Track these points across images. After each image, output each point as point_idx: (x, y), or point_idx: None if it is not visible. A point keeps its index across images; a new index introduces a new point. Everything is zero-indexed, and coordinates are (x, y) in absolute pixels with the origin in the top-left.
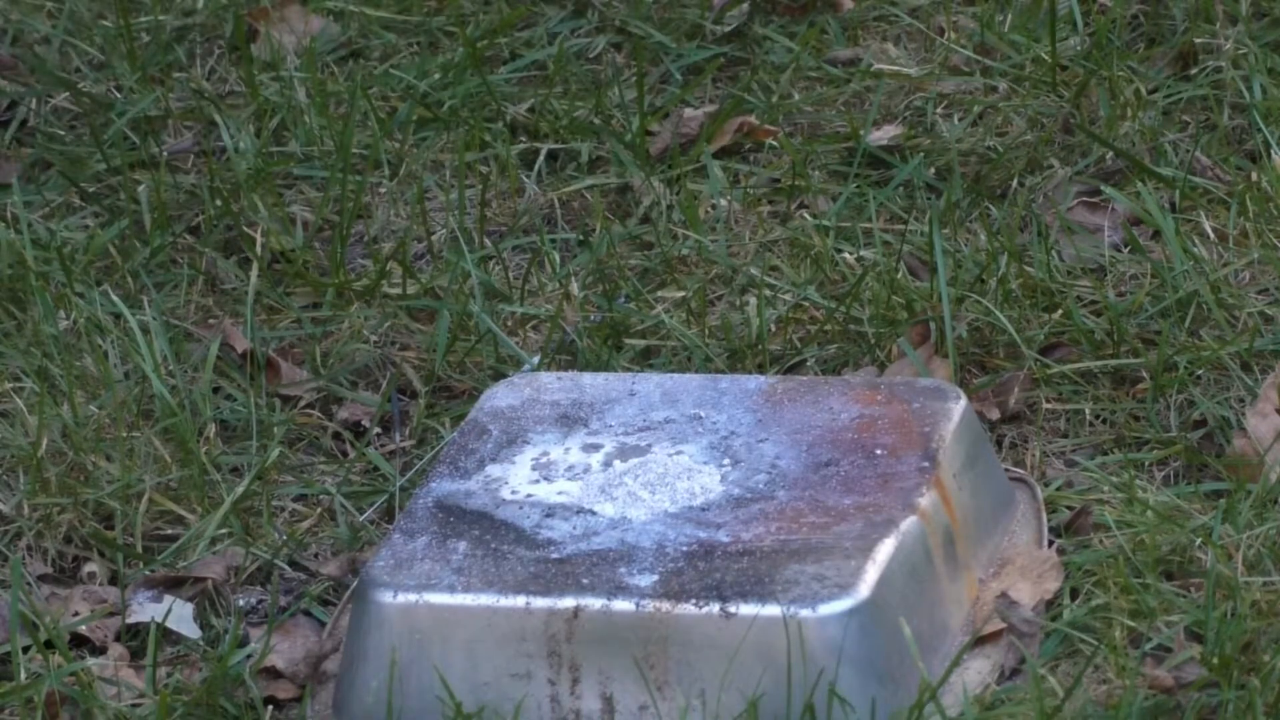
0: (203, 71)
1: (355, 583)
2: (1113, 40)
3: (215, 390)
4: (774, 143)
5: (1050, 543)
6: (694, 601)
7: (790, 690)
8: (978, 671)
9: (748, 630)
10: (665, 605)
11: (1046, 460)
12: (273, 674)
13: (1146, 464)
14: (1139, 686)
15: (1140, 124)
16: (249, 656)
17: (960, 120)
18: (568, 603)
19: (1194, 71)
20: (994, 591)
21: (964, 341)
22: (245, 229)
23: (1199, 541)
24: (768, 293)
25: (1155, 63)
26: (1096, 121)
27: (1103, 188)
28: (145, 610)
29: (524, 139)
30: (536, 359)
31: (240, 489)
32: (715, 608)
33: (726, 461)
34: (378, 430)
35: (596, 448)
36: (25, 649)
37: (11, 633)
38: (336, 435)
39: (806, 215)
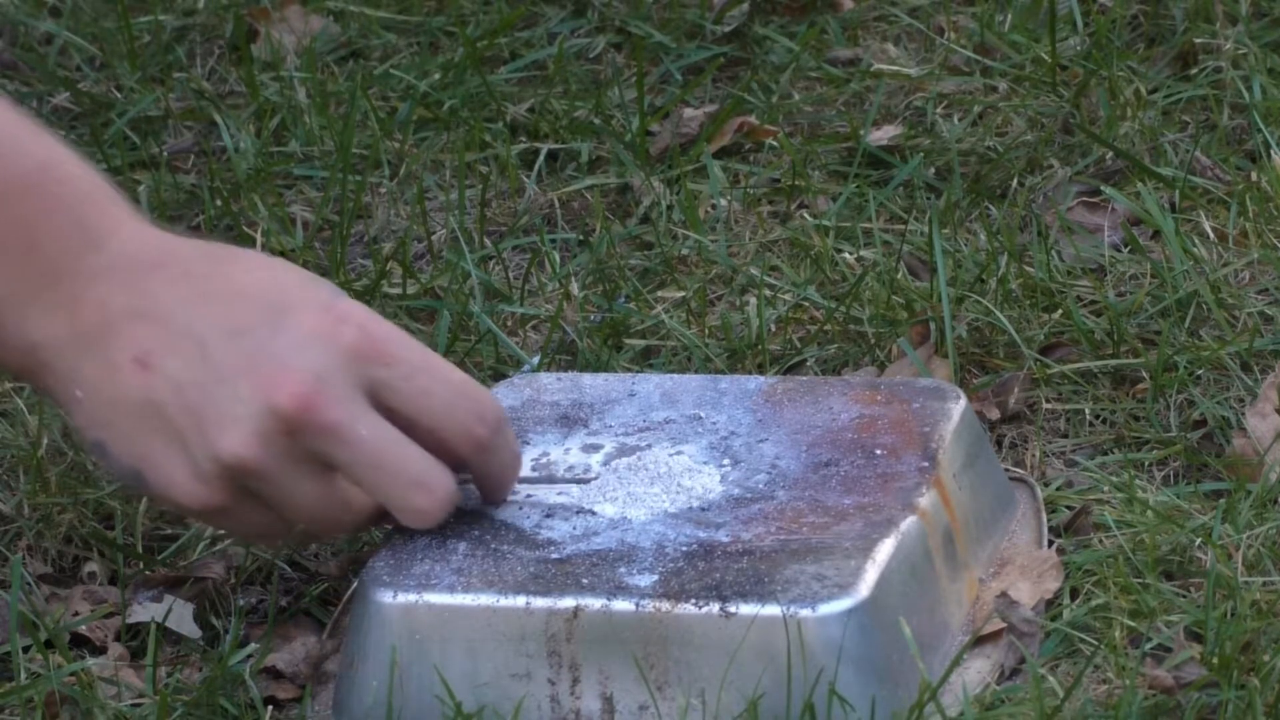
0: (203, 71)
1: (355, 583)
2: (1113, 40)
3: None
4: (774, 143)
5: (1050, 543)
6: (694, 601)
7: (790, 690)
8: (978, 671)
9: (748, 630)
10: (665, 605)
11: (1046, 460)
12: (273, 674)
13: (1146, 464)
14: (1139, 686)
15: (1140, 124)
16: (249, 656)
17: (960, 120)
18: (568, 603)
19: (1194, 71)
20: (994, 591)
21: (964, 341)
22: (245, 229)
23: (1199, 541)
24: (768, 293)
25: (1155, 63)
26: (1096, 121)
27: (1103, 188)
28: (145, 610)
29: (524, 139)
30: (536, 359)
31: None
32: (715, 607)
33: (726, 461)
34: None
35: (596, 448)
36: (25, 649)
37: (11, 633)
38: None
39: (806, 215)
